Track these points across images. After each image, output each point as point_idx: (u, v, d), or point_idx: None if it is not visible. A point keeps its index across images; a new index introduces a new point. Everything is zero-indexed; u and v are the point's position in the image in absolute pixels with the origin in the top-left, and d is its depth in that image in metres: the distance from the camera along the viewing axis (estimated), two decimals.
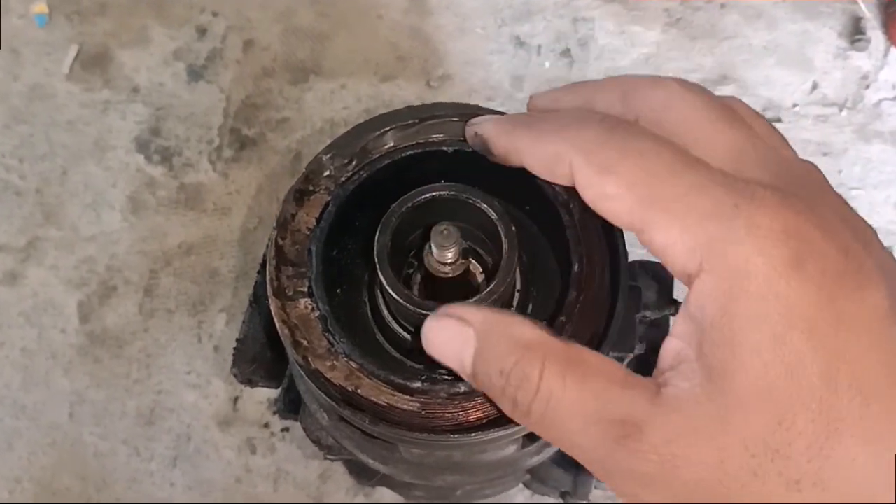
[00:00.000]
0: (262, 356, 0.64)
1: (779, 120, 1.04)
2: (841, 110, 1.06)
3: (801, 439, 0.25)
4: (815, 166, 0.35)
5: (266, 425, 0.92)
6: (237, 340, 0.64)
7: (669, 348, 0.29)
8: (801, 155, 0.41)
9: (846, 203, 0.34)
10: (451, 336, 0.33)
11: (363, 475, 0.81)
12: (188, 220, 1.01)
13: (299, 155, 1.04)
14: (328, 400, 0.50)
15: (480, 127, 0.47)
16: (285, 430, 0.91)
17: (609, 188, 0.30)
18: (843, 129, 1.04)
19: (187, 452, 0.91)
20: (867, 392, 0.26)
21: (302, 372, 0.50)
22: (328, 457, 0.65)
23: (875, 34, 1.11)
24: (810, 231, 0.28)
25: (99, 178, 1.04)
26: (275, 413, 0.91)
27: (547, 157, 0.34)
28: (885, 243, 0.99)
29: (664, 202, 0.28)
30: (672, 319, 0.67)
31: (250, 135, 1.06)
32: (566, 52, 1.11)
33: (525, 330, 0.30)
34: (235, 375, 0.65)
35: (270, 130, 1.06)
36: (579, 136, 0.32)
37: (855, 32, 1.11)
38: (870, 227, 0.34)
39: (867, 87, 1.07)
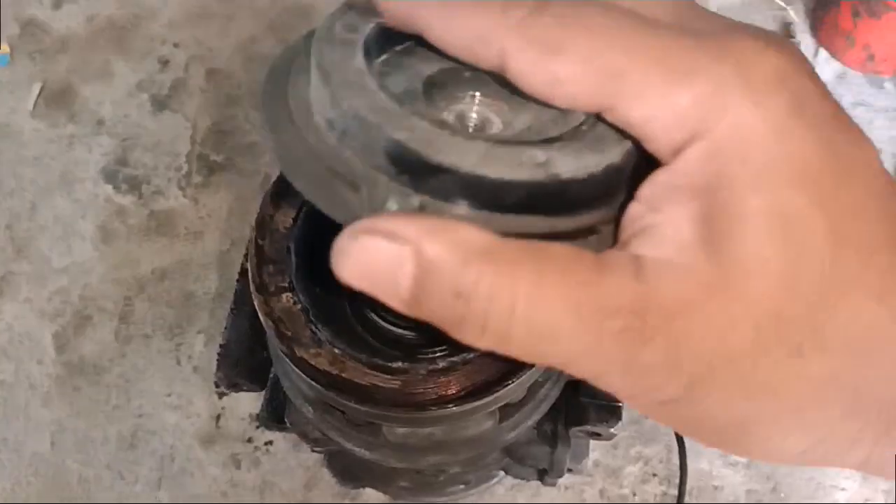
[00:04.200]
0: (246, 360, 0.66)
1: None
2: None
3: (803, 301, 0.23)
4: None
5: (249, 440, 0.93)
6: (220, 346, 0.67)
7: (633, 213, 0.25)
8: None
9: None
10: (377, 258, 0.23)
11: (348, 477, 0.83)
12: (160, 246, 1.03)
13: (268, 177, 1.07)
14: (315, 385, 0.52)
15: None
16: (269, 443, 0.93)
17: (561, 70, 0.24)
18: None
19: (172, 472, 0.92)
20: (871, 247, 0.24)
21: (288, 360, 0.53)
22: (315, 449, 0.67)
23: (804, 38, 1.18)
24: (799, 71, 0.24)
25: (68, 210, 1.06)
26: (258, 427, 0.92)
27: (467, 36, 0.25)
28: None
29: (634, 71, 0.23)
30: None
31: (219, 160, 1.09)
32: None
33: (475, 237, 0.23)
34: (219, 382, 0.67)
35: (239, 155, 1.09)
36: (508, 12, 0.24)
37: (785, 37, 1.18)
38: None
39: None
